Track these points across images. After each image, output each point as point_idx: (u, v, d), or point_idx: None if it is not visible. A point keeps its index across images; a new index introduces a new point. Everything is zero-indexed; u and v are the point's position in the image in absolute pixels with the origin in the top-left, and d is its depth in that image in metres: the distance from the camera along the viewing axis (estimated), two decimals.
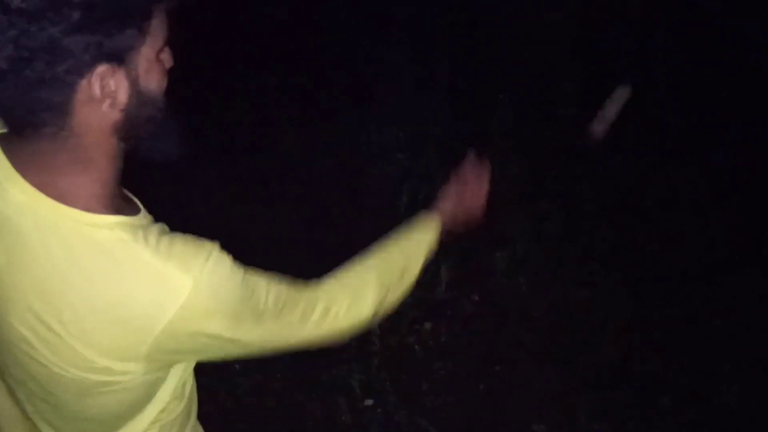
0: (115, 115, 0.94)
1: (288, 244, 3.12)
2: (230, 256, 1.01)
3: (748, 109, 3.64)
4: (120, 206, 1.00)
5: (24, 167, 0.95)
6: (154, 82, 0.96)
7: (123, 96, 0.92)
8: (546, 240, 3.30)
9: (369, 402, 2.67)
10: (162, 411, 1.15)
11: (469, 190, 1.55)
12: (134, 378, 1.02)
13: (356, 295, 1.24)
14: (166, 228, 1.04)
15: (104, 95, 0.90)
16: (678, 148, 3.65)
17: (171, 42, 0.98)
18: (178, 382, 1.15)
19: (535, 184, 3.53)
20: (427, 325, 2.95)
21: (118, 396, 1.05)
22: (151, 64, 0.95)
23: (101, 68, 0.89)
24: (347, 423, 2.59)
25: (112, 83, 0.90)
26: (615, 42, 3.88)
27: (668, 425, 2.60)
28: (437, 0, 4.23)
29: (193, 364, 1.18)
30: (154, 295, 0.94)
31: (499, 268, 3.19)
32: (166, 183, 3.49)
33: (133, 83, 0.93)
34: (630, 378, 2.77)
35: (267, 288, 1.06)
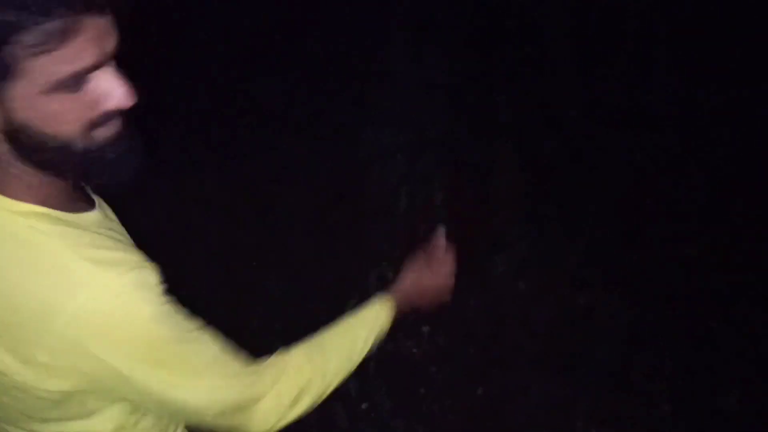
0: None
1: (285, 246, 3.09)
2: (161, 287, 0.95)
3: (749, 110, 3.62)
4: (60, 202, 0.96)
5: None
6: (39, 118, 0.86)
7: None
8: (545, 244, 3.28)
9: (365, 406, 2.65)
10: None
11: (433, 269, 1.45)
12: (51, 391, 0.96)
13: (297, 382, 1.17)
14: (128, 245, 1.01)
15: None
16: (679, 151, 3.64)
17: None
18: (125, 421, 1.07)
19: (535, 187, 3.51)
20: (425, 329, 2.92)
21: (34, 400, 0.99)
22: (32, 101, 0.84)
23: None
24: (343, 427, 2.57)
25: None
26: (615, 42, 3.86)
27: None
28: (436, 0, 4.22)
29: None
30: (54, 286, 0.89)
31: (498, 271, 3.17)
32: (162, 186, 3.47)
33: (6, 115, 0.86)
34: (629, 384, 2.75)
35: (194, 330, 1.00)
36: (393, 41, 4.07)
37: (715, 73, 3.74)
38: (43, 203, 0.93)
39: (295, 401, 1.15)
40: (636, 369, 2.81)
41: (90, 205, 1.03)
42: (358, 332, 1.32)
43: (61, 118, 0.86)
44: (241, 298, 2.84)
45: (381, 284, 3.08)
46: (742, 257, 3.21)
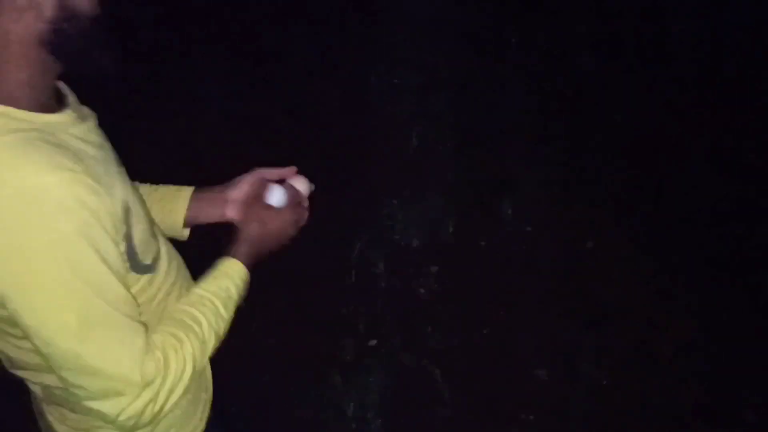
0: (40, 27, 0.92)
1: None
2: (110, 218, 0.92)
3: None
4: (29, 102, 0.95)
5: None
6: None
7: (48, 8, 0.91)
8: (553, 187, 3.29)
9: (373, 342, 2.69)
10: None
11: (276, 216, 1.30)
12: None
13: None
14: (89, 156, 0.97)
15: (29, 5, 0.89)
16: (693, 92, 3.61)
17: None
18: None
19: (544, 130, 3.50)
20: (433, 269, 2.96)
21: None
22: None
23: None
24: (351, 362, 2.62)
25: None
26: None
27: (667, 373, 2.63)
28: None
29: None
30: None
31: (506, 214, 3.19)
32: (173, 120, 3.49)
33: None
34: (631, 326, 2.78)
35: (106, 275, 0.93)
36: None
37: (733, 14, 3.69)
38: (11, 103, 0.93)
39: (171, 392, 1.02)
40: (638, 312, 2.84)
41: (59, 108, 1.01)
42: (221, 284, 1.17)
43: (94, 2, 0.95)
44: None
45: (390, 222, 3.11)
46: (749, 205, 3.22)
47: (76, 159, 0.93)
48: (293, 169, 1.38)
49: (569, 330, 2.75)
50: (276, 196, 1.33)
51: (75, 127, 1.00)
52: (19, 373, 1.13)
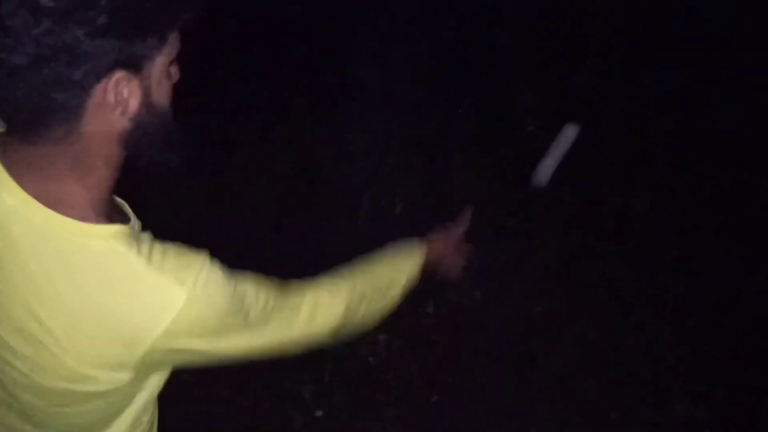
0: (124, 124, 0.92)
1: (247, 245, 3.07)
2: (221, 266, 1.01)
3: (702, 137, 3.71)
4: (112, 214, 0.99)
5: (18, 172, 0.92)
6: (163, 93, 0.96)
7: (134, 105, 0.91)
8: (502, 253, 3.31)
9: (320, 413, 2.64)
10: (132, 424, 1.13)
11: (455, 245, 1.68)
12: (119, 387, 1.00)
13: (339, 301, 1.26)
14: (152, 236, 1.02)
15: (117, 102, 0.89)
16: (633, 167, 3.71)
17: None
18: (151, 394, 1.13)
19: (493, 197, 3.54)
20: (381, 337, 2.93)
21: (97, 404, 1.03)
22: (162, 75, 0.95)
23: (118, 74, 0.87)
24: None
25: (125, 91, 0.89)
26: (576, 57, 3.92)
27: None
28: (402, 11, 4.25)
29: (165, 378, 1.16)
30: (148, 307, 0.93)
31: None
32: (122, 183, 3.42)
33: (145, 93, 0.92)
34: (582, 391, 2.79)
35: (256, 295, 1.06)
36: (360, 48, 4.09)
37: (675, 86, 3.82)
38: (110, 220, 0.97)
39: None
40: (589, 378, 2.85)
41: (126, 211, 1.06)
42: (398, 274, 1.47)
43: (168, 92, 0.98)
44: None
45: None
46: (693, 265, 3.29)
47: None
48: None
49: (520, 395, 2.74)
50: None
51: None
52: None
